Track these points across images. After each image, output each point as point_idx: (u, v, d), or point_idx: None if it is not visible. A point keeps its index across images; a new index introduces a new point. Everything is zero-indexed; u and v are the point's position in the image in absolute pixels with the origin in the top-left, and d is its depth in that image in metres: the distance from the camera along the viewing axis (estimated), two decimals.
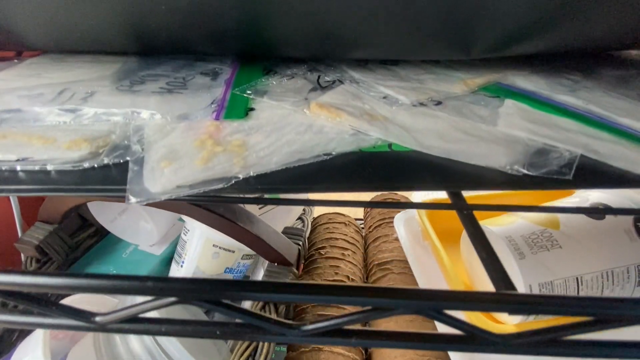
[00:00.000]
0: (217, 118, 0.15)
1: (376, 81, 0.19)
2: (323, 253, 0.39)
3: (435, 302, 0.10)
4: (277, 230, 0.28)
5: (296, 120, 0.15)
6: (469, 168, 0.12)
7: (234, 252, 0.31)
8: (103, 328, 0.10)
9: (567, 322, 0.10)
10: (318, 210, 0.47)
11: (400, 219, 0.39)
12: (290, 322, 0.11)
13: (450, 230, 0.34)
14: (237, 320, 0.11)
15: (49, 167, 0.11)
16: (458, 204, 0.12)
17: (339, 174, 0.12)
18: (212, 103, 0.16)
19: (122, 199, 0.11)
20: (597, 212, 0.26)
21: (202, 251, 0.30)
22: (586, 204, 0.27)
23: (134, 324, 0.10)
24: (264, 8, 0.17)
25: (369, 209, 0.48)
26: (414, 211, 0.38)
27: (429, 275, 0.33)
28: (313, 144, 0.13)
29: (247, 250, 0.31)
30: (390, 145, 0.14)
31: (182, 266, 0.31)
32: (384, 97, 0.17)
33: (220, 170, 0.11)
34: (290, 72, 0.21)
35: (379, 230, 0.43)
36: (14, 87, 0.17)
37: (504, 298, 0.10)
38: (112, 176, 0.12)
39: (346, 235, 0.42)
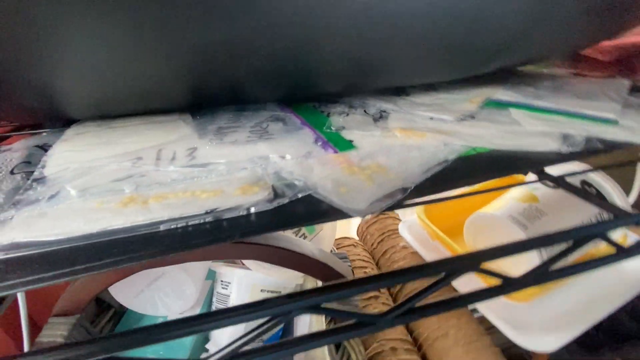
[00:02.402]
0: (335, 152, 0.17)
1: (411, 109, 0.24)
2: None
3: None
4: (324, 250, 0.30)
5: (395, 143, 0.18)
6: (530, 155, 0.18)
7: (279, 292, 0.30)
8: None
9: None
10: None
11: (404, 227, 0.43)
12: (376, 312, 0.13)
13: (448, 225, 0.40)
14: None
15: (253, 210, 0.12)
16: (542, 177, 0.17)
17: (455, 175, 0.16)
18: (314, 142, 0.18)
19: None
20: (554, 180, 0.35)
21: (250, 299, 0.29)
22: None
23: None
24: (315, 56, 0.20)
25: (364, 230, 0.51)
26: (413, 218, 0.43)
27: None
28: (429, 157, 0.17)
29: (292, 285, 0.31)
30: (474, 149, 0.18)
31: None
32: (431, 119, 0.22)
33: (389, 186, 0.14)
34: (340, 109, 0.24)
35: (383, 245, 0.47)
36: (101, 157, 0.17)
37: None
38: (297, 210, 0.13)
39: (359, 255, 0.44)
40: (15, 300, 0.24)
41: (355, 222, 0.55)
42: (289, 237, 0.28)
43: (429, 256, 0.39)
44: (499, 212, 0.33)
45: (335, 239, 0.47)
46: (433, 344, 0.33)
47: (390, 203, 0.13)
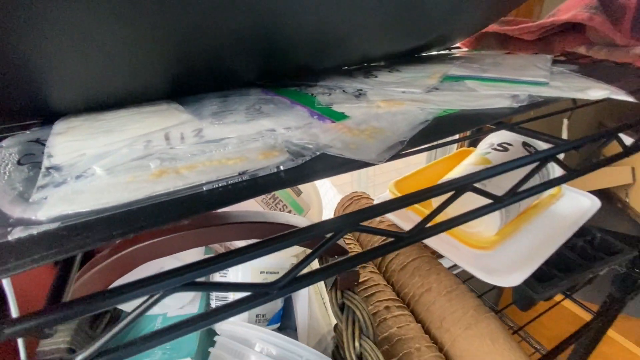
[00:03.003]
0: (332, 122, 0.19)
1: (382, 87, 0.27)
2: None
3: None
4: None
5: (381, 112, 0.21)
6: (489, 111, 0.21)
7: (277, 272, 0.32)
8: None
9: None
10: None
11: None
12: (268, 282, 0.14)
13: None
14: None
15: (282, 167, 0.14)
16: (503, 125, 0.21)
17: (437, 129, 0.19)
18: (310, 116, 0.20)
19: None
20: (502, 146, 0.41)
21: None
22: (495, 145, 0.42)
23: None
24: (282, 29, 0.22)
25: (340, 212, 0.54)
26: (386, 194, 0.47)
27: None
28: (412, 119, 0.19)
29: (288, 265, 0.32)
30: (445, 111, 0.21)
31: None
32: (403, 92, 0.25)
33: (389, 141, 0.17)
34: (321, 90, 0.26)
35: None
36: (111, 142, 0.17)
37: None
38: (318, 166, 0.15)
39: None
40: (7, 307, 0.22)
41: (332, 206, 0.57)
42: (278, 213, 0.29)
43: (406, 225, 0.43)
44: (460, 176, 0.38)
45: None
46: (419, 300, 0.36)
47: (394, 152, 0.15)
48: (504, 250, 0.37)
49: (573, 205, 0.45)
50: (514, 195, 0.19)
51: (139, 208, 0.12)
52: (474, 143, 0.74)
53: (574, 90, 0.24)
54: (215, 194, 0.13)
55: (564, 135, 0.43)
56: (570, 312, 0.80)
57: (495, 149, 0.41)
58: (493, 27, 0.42)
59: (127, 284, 0.11)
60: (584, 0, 0.36)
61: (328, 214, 0.56)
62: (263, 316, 0.30)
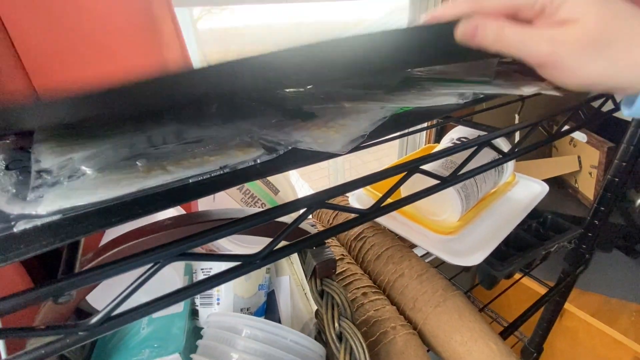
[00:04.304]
0: (303, 121, 0.21)
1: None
2: None
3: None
4: None
5: (347, 110, 0.23)
6: (439, 108, 0.24)
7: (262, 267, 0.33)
8: None
9: None
10: None
11: (353, 198, 0.49)
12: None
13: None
14: None
15: (258, 161, 0.16)
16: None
17: (394, 124, 0.22)
18: (282, 116, 0.22)
19: None
20: (461, 142, 0.45)
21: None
22: (454, 140, 0.46)
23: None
24: None
25: (318, 210, 0.56)
26: (360, 190, 0.50)
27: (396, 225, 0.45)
28: (373, 116, 0.22)
29: None
30: (402, 108, 0.24)
31: (218, 303, 0.31)
32: (366, 93, 0.28)
33: (352, 135, 0.19)
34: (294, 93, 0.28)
35: (338, 219, 0.52)
36: (97, 147, 0.18)
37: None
38: (290, 158, 0.17)
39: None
40: None
41: None
42: (254, 210, 0.31)
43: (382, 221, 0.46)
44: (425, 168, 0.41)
45: None
46: (394, 285, 0.39)
47: (356, 144, 0.18)
48: (466, 234, 0.41)
49: (526, 191, 0.50)
50: (457, 176, 0.22)
51: (133, 199, 0.13)
52: (438, 139, 0.79)
53: (511, 87, 0.28)
54: (200, 185, 0.14)
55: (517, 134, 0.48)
56: (531, 290, 0.86)
57: (454, 143, 0.45)
58: None
59: (131, 255, 0.12)
60: None
61: None
62: (247, 309, 0.32)
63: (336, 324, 0.27)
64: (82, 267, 0.23)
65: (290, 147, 0.17)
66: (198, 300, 0.33)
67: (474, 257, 0.37)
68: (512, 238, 0.44)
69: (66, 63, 0.32)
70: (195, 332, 0.32)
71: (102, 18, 0.33)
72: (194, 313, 0.33)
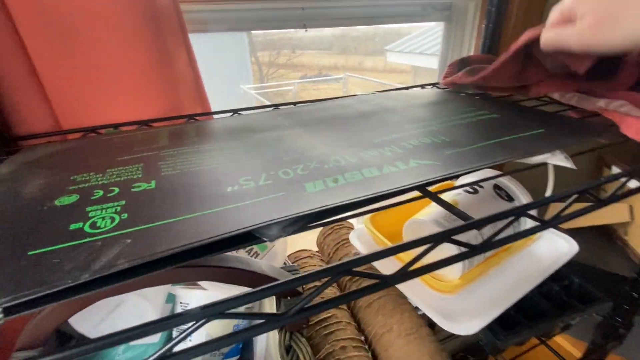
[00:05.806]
0: None
1: None
2: None
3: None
4: (275, 266, 0.33)
5: None
6: None
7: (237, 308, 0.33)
8: None
9: None
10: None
11: (354, 235, 0.48)
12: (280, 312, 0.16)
13: (391, 231, 0.45)
14: None
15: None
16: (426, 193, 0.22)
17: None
18: None
19: None
20: (472, 188, 0.42)
21: None
22: (468, 187, 0.42)
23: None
24: None
25: (322, 241, 0.55)
26: (362, 227, 0.48)
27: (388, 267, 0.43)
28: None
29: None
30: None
31: (190, 340, 0.31)
32: None
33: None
34: None
35: (338, 253, 0.51)
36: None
37: None
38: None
39: (314, 265, 0.48)
40: None
41: (314, 234, 0.58)
42: (239, 257, 0.31)
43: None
44: (427, 217, 0.39)
45: (294, 252, 0.51)
46: (380, 340, 0.37)
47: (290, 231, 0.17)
48: (467, 294, 0.37)
49: (550, 248, 0.45)
50: (488, 245, 0.19)
51: None
52: None
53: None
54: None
55: (550, 187, 0.44)
56: (562, 349, 0.76)
57: (466, 191, 0.41)
58: (466, 79, 0.43)
59: (176, 314, 0.13)
60: None
61: (297, 241, 0.57)
62: (218, 350, 0.32)
63: None
64: None
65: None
66: (175, 333, 0.33)
67: (469, 326, 0.33)
68: (526, 303, 0.39)
69: (85, 99, 0.35)
70: None
71: (117, 53, 0.35)
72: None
